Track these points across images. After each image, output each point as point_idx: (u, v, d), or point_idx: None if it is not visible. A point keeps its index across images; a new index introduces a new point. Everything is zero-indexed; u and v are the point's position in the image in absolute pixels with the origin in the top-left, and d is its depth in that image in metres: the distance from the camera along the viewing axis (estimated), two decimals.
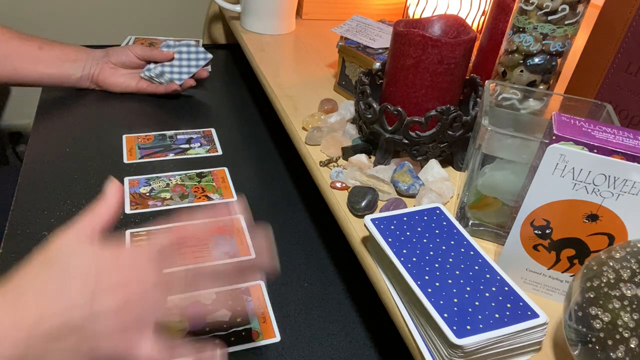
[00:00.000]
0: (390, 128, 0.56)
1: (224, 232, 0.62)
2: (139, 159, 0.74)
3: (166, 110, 0.87)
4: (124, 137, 0.78)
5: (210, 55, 0.88)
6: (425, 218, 0.46)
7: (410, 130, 0.55)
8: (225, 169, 0.75)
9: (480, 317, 0.37)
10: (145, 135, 0.79)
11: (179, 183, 0.71)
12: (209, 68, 1.00)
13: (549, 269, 0.43)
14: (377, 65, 0.65)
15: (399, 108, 0.54)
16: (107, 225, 0.41)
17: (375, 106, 0.56)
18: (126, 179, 0.70)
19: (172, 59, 0.87)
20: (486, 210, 0.49)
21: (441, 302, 0.38)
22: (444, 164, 0.59)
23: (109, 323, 0.37)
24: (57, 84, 0.83)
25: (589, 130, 0.40)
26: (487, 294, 0.39)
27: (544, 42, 0.53)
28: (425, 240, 0.44)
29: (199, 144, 0.80)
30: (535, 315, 0.38)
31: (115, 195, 0.42)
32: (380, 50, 0.71)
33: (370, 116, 0.57)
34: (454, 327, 0.36)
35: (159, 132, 0.80)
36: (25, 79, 0.79)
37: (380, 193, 0.53)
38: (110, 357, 0.37)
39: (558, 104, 0.52)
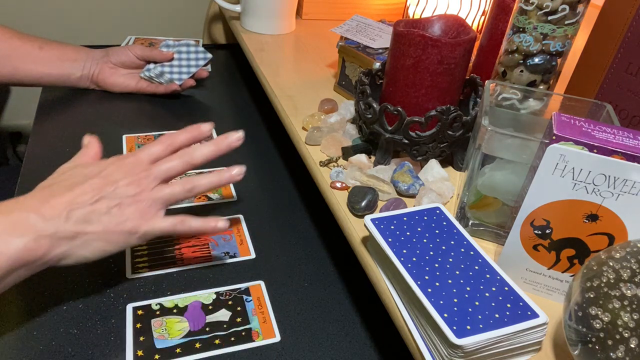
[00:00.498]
0: (390, 128, 0.56)
1: (224, 232, 0.62)
2: None
3: (166, 110, 0.87)
4: (124, 137, 0.78)
5: (210, 55, 0.88)
6: (425, 218, 0.46)
7: (410, 130, 0.55)
8: (225, 169, 0.74)
9: (480, 317, 0.37)
10: (145, 135, 0.79)
11: None
12: (209, 68, 1.00)
13: (549, 269, 0.43)
14: (377, 65, 0.65)
15: (399, 108, 0.54)
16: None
17: (375, 106, 0.56)
18: None
19: (172, 59, 0.87)
20: (486, 210, 0.49)
21: (441, 302, 0.38)
22: (444, 164, 0.59)
23: (130, 209, 0.48)
24: (57, 83, 0.83)
25: (589, 130, 0.40)
26: (487, 294, 0.39)
27: (544, 42, 0.53)
28: (425, 240, 0.44)
29: (198, 144, 0.79)
30: (535, 315, 0.38)
31: (94, 146, 0.54)
32: (380, 50, 0.71)
33: (370, 116, 0.57)
34: (454, 327, 0.36)
35: (159, 132, 0.80)
36: (25, 79, 0.79)
37: (380, 193, 0.53)
38: (135, 232, 0.48)
39: (558, 104, 0.52)
